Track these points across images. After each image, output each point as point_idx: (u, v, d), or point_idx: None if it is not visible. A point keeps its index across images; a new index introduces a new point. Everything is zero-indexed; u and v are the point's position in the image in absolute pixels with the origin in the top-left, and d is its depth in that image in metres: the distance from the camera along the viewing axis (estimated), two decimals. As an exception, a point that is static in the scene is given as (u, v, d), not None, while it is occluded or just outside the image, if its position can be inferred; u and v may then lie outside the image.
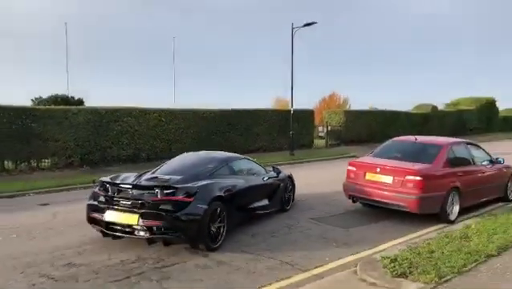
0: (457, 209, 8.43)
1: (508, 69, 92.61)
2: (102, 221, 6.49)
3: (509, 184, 10.22)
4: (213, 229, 6.56)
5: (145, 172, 7.71)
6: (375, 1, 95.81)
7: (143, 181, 6.97)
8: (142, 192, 6.49)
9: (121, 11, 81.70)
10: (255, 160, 9.54)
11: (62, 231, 7.63)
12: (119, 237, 6.53)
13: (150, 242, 6.45)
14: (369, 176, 8.58)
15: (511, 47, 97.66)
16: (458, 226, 7.73)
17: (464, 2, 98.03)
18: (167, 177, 7.16)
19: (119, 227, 6.39)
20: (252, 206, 8.11)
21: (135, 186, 6.63)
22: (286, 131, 22.00)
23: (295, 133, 21.79)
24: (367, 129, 27.56)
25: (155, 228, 6.17)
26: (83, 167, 15.62)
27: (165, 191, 6.32)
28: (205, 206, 6.39)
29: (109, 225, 6.47)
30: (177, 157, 8.66)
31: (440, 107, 35.99)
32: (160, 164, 8.30)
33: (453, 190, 8.32)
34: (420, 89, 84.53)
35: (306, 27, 20.84)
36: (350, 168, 9.07)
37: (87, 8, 73.60)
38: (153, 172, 7.63)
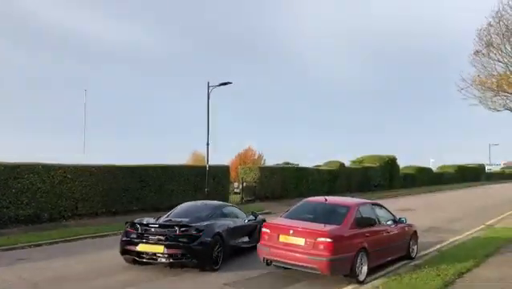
0: (365, 269, 8.68)
1: (406, 129, 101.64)
2: (134, 251, 9.09)
3: (411, 242, 10.81)
4: (215, 256, 9.21)
5: (160, 217, 10.39)
6: (287, 64, 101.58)
7: (163, 222, 9.62)
8: (165, 229, 9.14)
9: (28, 59, 78.03)
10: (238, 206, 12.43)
11: None
12: (146, 263, 9.11)
13: (171, 266, 9.14)
14: (282, 238, 8.59)
15: (408, 110, 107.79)
16: (367, 287, 7.95)
17: (371, 66, 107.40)
18: (178, 219, 9.86)
19: (147, 256, 8.97)
20: (238, 241, 10.60)
21: (161, 225, 9.32)
22: (201, 187, 21.72)
23: (211, 189, 21.60)
24: (282, 185, 28.19)
25: (174, 255, 8.78)
26: (-27, 229, 13.99)
27: (182, 228, 9.02)
28: (210, 239, 9.13)
29: (140, 255, 9.04)
30: (182, 205, 11.28)
31: (347, 164, 38.03)
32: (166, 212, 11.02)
33: (361, 251, 8.59)
34: (327, 146, 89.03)
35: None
36: (264, 230, 9.04)
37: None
38: (167, 217, 10.35)
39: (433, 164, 60.59)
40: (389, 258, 9.89)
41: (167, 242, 8.81)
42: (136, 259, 9.18)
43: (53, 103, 74.27)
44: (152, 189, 20.07)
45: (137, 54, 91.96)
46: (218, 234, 9.45)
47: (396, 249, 10.18)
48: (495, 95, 23.96)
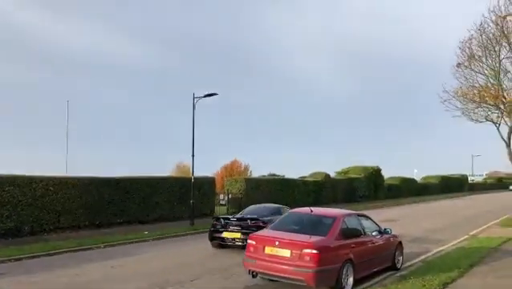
0: (351, 280, 8.63)
1: (390, 140, 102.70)
2: (220, 237, 12.97)
3: (396, 253, 10.81)
4: None
5: (235, 214, 14.60)
6: (273, 77, 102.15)
7: (239, 217, 13.50)
8: (241, 222, 12.90)
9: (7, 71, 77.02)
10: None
11: None
12: (229, 246, 12.89)
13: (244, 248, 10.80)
14: (268, 250, 8.51)
15: (392, 121, 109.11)
16: (353, 299, 7.89)
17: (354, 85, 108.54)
18: (249, 215, 13.51)
19: (228, 240, 12.81)
20: None
21: (238, 219, 13.15)
22: (186, 199, 21.52)
23: (196, 201, 21.40)
24: (267, 196, 28.01)
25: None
26: (-49, 244, 13.61)
27: (253, 221, 12.72)
28: None
29: (223, 239, 12.89)
30: (250, 207, 15.23)
31: (332, 175, 38.17)
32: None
33: (347, 262, 8.54)
34: (313, 157, 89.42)
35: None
36: (250, 242, 8.94)
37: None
38: (240, 214, 14.30)
39: (417, 174, 61.28)
40: (375, 269, 9.86)
41: (243, 230, 12.37)
42: (221, 243, 13.00)
43: (31, 115, 73.09)
44: (136, 201, 19.84)
45: (120, 65, 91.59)
46: None
47: (382, 260, 10.16)
48: (477, 107, 24.38)
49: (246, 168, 55.52)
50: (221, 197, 27.18)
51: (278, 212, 13.99)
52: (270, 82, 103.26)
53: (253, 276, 8.95)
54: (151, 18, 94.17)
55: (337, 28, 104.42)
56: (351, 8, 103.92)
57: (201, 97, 21.39)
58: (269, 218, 12.70)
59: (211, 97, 21.66)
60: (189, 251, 13.42)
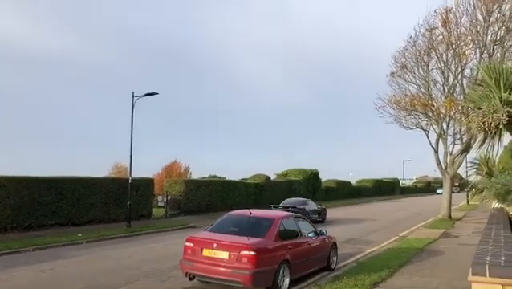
0: (287, 281, 8.81)
1: (327, 144, 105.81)
2: None
3: (331, 254, 11.16)
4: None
5: (281, 204, 21.69)
6: (213, 77, 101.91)
7: (282, 205, 21.54)
8: (284, 209, 18.71)
9: None
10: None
11: None
12: None
13: None
14: (206, 252, 8.49)
15: (330, 126, 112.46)
16: (289, 299, 8.05)
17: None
18: (288, 205, 21.16)
19: None
20: (315, 215, 22.17)
21: (283, 207, 20.69)
22: (123, 200, 20.91)
23: (134, 203, 20.86)
24: (207, 198, 27.98)
25: None
26: None
27: (292, 208, 19.77)
28: (304, 212, 19.80)
29: None
30: (286, 199, 23.59)
31: (273, 177, 38.71)
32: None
33: (283, 263, 8.72)
34: (253, 159, 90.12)
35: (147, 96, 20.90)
36: (187, 244, 8.87)
37: None
38: (281, 204, 21.61)
39: (352, 177, 63.61)
40: (310, 270, 10.12)
41: None
42: None
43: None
44: (70, 202, 19.01)
45: (58, 61, 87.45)
46: (307, 211, 21.10)
47: (317, 260, 10.45)
48: (409, 114, 25.83)
49: (186, 170, 54.81)
50: (160, 198, 26.75)
51: (305, 203, 21.89)
52: (211, 82, 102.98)
53: (190, 279, 8.92)
54: (88, 13, 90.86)
55: (284, 32, 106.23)
56: (298, 15, 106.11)
57: (140, 96, 20.92)
58: (301, 207, 21.09)
59: (152, 96, 21.25)
60: (126, 254, 13.08)
